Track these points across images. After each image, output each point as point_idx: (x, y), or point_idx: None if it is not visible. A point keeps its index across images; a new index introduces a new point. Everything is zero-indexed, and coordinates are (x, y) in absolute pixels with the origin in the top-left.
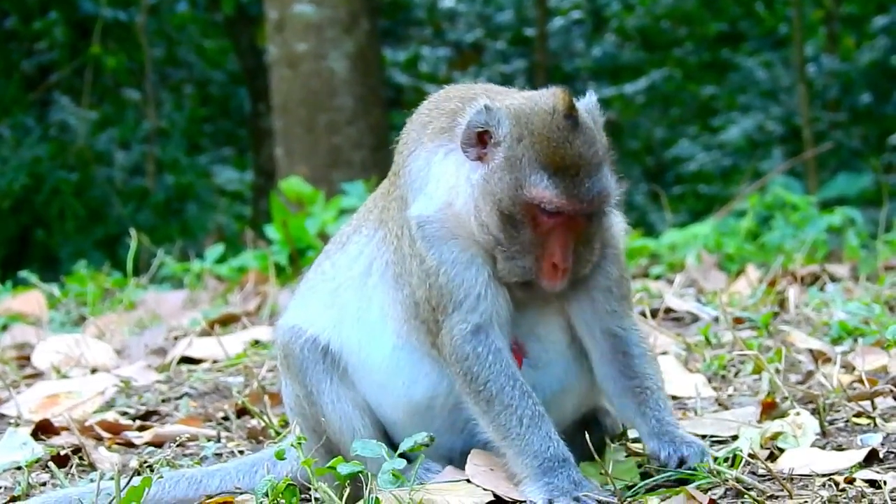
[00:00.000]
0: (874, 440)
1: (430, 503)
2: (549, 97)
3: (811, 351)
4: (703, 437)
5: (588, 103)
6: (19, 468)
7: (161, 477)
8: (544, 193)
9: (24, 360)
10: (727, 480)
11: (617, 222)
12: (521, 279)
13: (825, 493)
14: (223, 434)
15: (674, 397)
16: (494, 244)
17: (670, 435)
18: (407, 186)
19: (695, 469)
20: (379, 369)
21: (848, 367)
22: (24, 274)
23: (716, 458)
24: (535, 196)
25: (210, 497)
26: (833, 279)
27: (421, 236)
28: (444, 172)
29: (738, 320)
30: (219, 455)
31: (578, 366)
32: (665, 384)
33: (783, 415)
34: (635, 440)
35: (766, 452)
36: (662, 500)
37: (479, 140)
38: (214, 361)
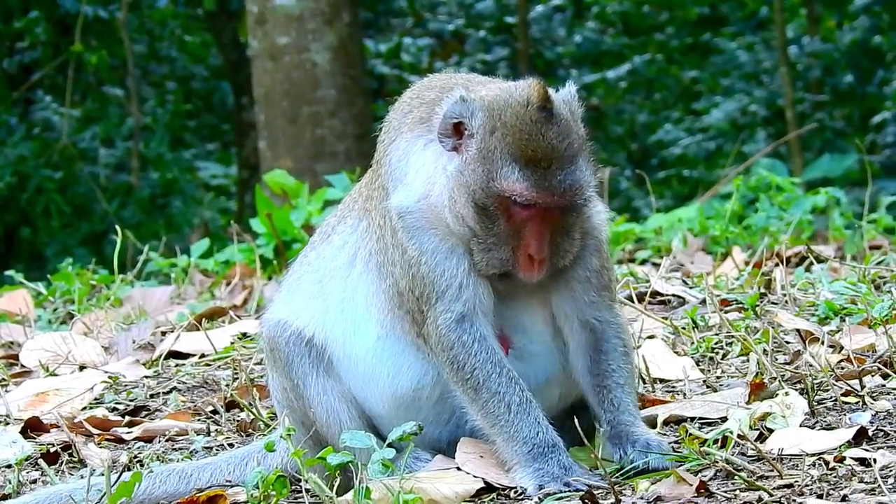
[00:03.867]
0: (863, 419)
1: (420, 492)
2: (525, 88)
3: (798, 331)
4: (692, 419)
5: (566, 94)
6: (9, 466)
7: (151, 472)
8: (515, 186)
9: (12, 359)
10: (717, 462)
11: (598, 212)
12: (498, 271)
13: (815, 473)
14: (212, 428)
15: (661, 380)
16: (471, 235)
17: (621, 437)
18: (387, 176)
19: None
20: (364, 361)
21: (835, 347)
22: (10, 272)
23: (704, 441)
24: (506, 188)
25: (201, 490)
26: (819, 260)
27: (402, 226)
28: (424, 163)
29: (724, 302)
30: (209, 449)
31: (563, 357)
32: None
33: (772, 395)
34: None
35: (756, 433)
36: (652, 483)
37: (455, 131)
38: (202, 356)
